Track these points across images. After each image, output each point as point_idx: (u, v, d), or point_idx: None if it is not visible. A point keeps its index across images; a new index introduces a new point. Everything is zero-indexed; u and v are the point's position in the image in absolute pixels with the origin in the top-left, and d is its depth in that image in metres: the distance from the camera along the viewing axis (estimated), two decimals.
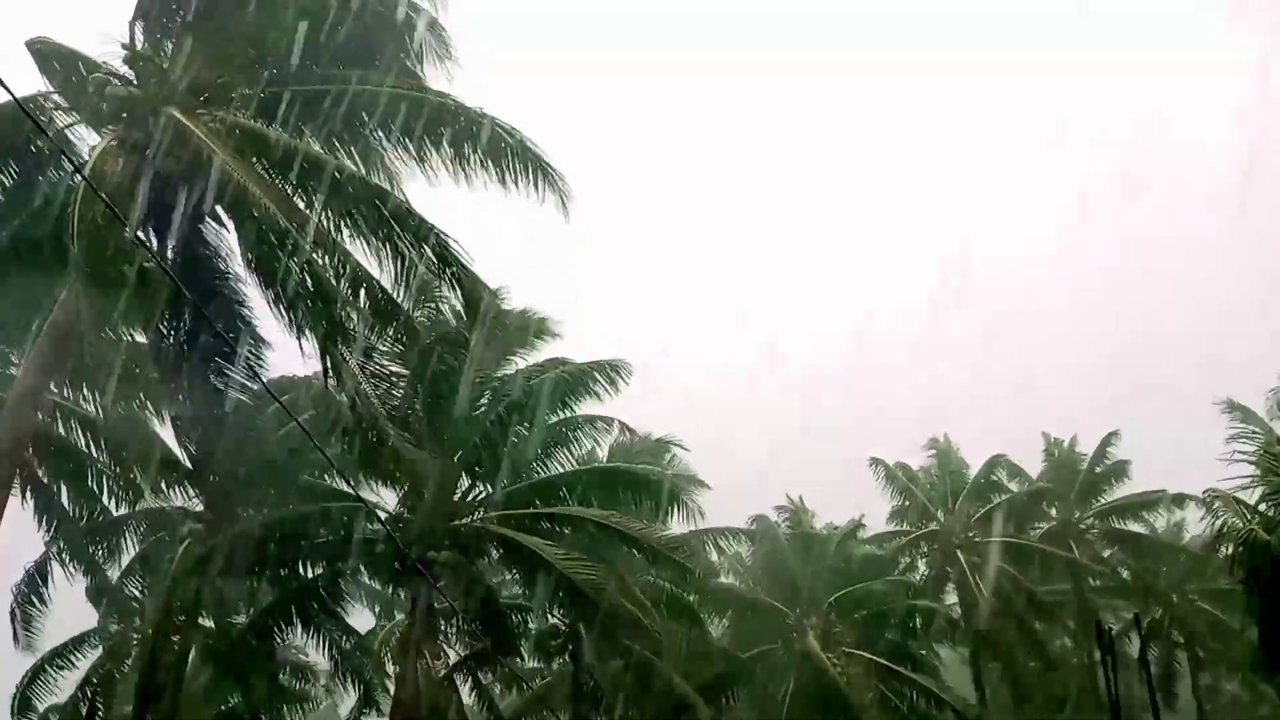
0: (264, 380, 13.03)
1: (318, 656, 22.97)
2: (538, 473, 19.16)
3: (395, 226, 12.07)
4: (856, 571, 29.14)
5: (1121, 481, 35.65)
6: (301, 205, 12.42)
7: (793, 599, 27.87)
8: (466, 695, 22.02)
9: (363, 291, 12.12)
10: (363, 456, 14.95)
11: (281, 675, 23.84)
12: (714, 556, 27.20)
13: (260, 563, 18.26)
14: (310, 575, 18.63)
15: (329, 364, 12.48)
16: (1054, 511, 36.43)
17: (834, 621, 27.49)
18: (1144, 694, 26.69)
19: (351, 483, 16.53)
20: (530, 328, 19.18)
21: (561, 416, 19.37)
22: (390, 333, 13.06)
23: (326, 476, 18.85)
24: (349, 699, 25.45)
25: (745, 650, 26.63)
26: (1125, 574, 36.16)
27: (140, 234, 11.58)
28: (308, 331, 12.07)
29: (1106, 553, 36.33)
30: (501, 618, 19.10)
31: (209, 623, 22.53)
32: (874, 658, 26.55)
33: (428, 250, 12.11)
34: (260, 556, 18.00)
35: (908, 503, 35.11)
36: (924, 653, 29.73)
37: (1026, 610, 33.32)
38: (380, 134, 13.04)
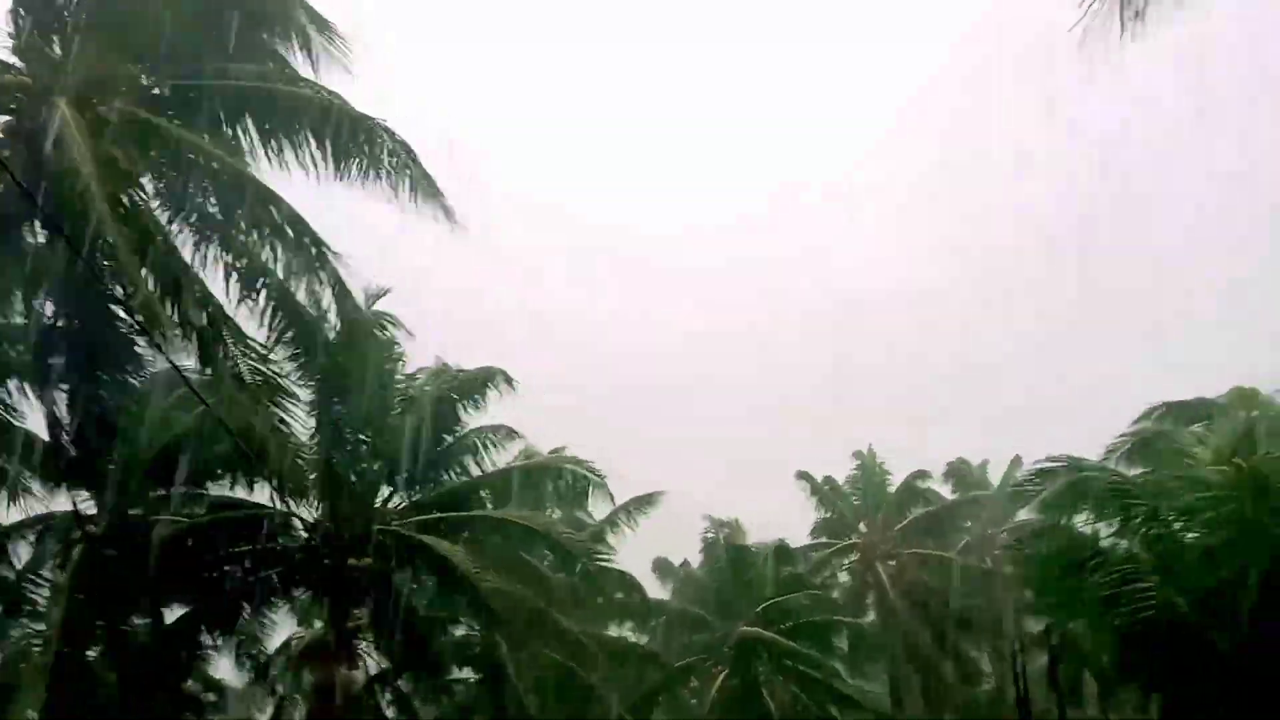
0: (176, 366, 12.52)
1: (231, 668, 22.25)
2: (458, 478, 19.12)
3: (288, 232, 11.99)
4: (782, 584, 29.62)
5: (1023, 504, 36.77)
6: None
7: (722, 610, 28.23)
8: (386, 707, 21.58)
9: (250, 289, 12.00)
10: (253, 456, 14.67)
11: (190, 688, 22.97)
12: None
13: (167, 570, 17.62)
14: (224, 584, 18.09)
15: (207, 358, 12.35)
16: (970, 525, 37.48)
17: (760, 632, 27.90)
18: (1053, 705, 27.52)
19: (274, 490, 16.18)
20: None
21: (473, 420, 19.53)
22: (277, 330, 12.94)
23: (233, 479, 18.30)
24: (264, 713, 24.71)
25: (676, 660, 26.91)
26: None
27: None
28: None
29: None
30: (422, 627, 18.82)
31: (114, 634, 21.59)
32: (798, 666, 27.03)
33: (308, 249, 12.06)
34: (168, 564, 17.37)
35: (831, 514, 35.81)
36: (838, 664, 30.31)
37: (942, 623, 34.31)
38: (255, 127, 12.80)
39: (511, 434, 20.57)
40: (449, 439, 19.31)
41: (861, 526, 35.70)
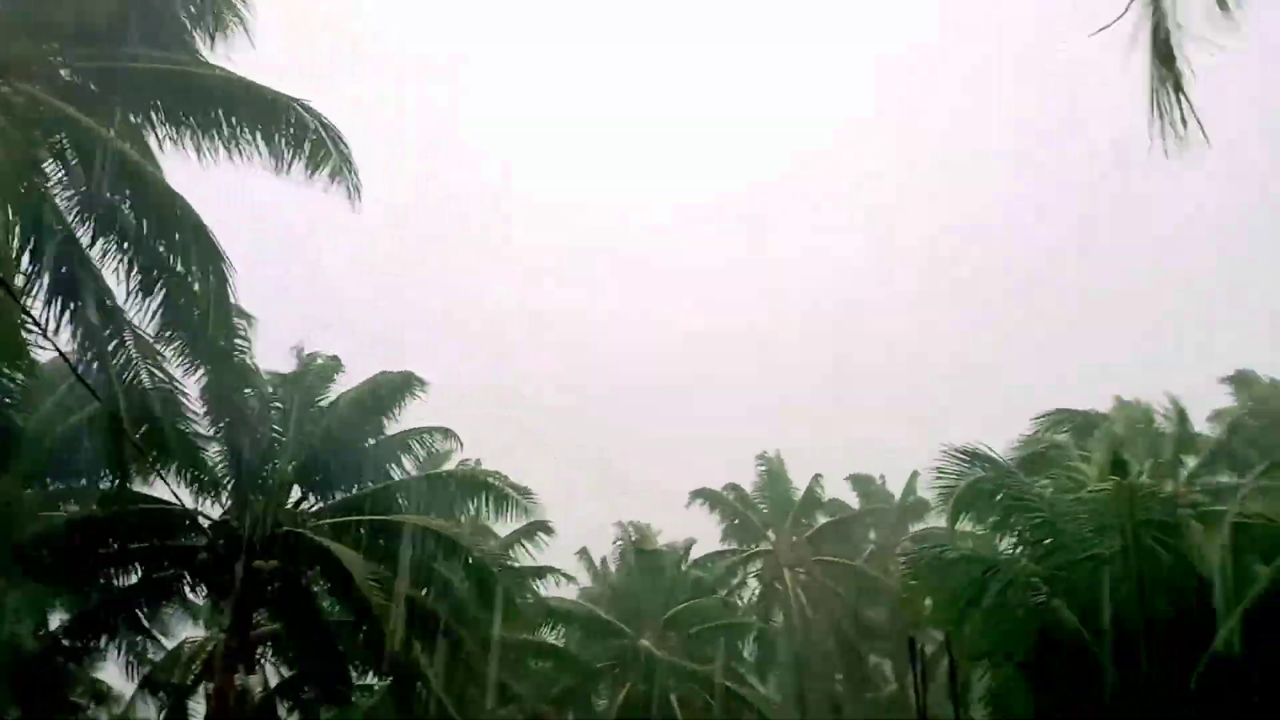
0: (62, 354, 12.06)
1: (121, 675, 21.37)
2: (373, 481, 18.88)
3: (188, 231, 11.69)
4: (689, 589, 29.97)
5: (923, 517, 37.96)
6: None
7: (632, 616, 28.36)
8: (286, 714, 21.02)
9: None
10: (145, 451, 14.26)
11: (78, 696, 21.96)
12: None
13: (57, 570, 16.83)
14: (120, 585, 17.39)
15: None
16: (873, 535, 38.48)
17: (668, 637, 28.18)
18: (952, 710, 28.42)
19: (172, 488, 15.65)
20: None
21: (398, 424, 19.39)
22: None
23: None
24: None
25: (589, 664, 26.97)
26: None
27: None
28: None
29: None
30: (328, 631, 18.41)
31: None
32: (701, 669, 27.37)
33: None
34: (58, 563, 16.60)
35: (738, 521, 36.31)
36: (741, 668, 30.84)
37: (846, 629, 35.18)
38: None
39: (449, 434, 20.41)
40: (371, 441, 19.00)
41: (770, 533, 36.28)
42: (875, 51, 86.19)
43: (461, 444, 21.44)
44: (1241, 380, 25.47)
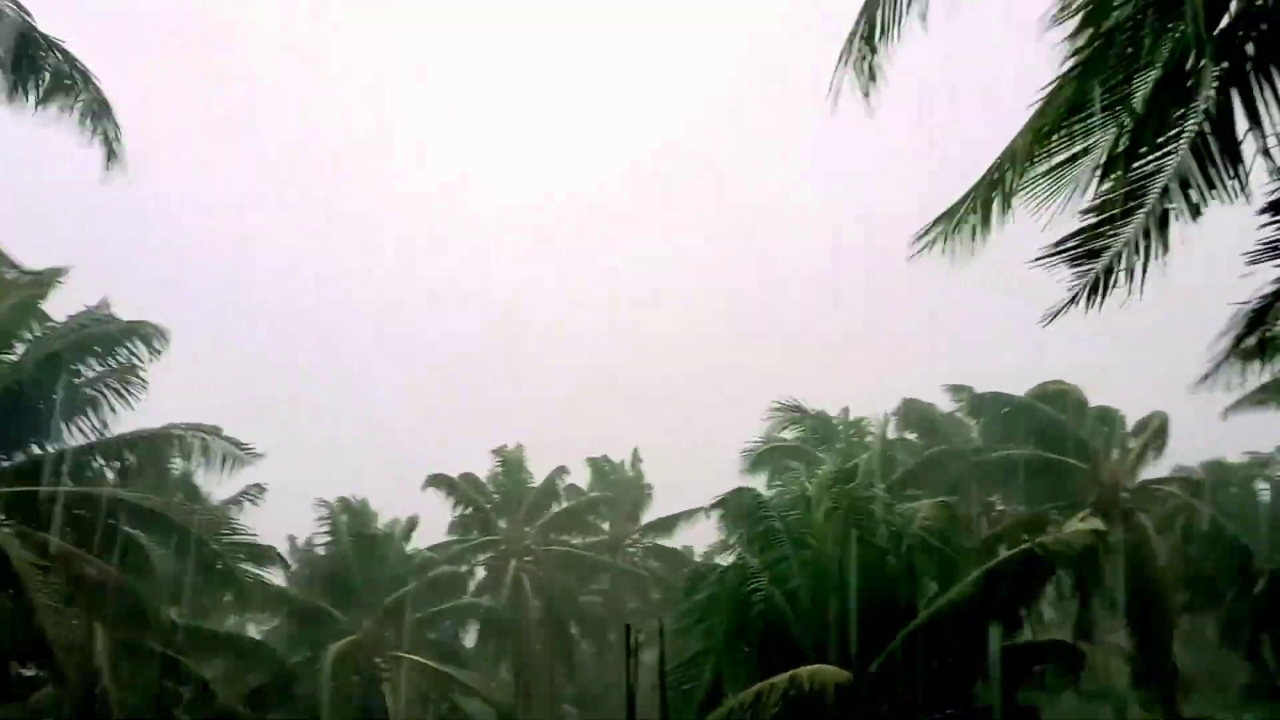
0: None
1: None
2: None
3: None
4: (412, 574, 29.01)
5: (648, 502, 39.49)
6: None
7: (347, 601, 26.92)
8: None
9: None
10: None
11: None
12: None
13: None
14: None
15: None
16: (607, 525, 39.38)
17: (386, 624, 27.10)
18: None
19: None
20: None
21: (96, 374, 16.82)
22: None
23: None
24: None
25: (298, 653, 25.13)
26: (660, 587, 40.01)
27: None
28: None
29: (653, 564, 39.84)
30: None
31: None
32: (419, 658, 26.62)
33: None
34: None
35: (471, 510, 35.84)
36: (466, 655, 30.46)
37: (570, 617, 35.81)
38: None
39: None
40: (59, 393, 16.11)
41: (501, 523, 36.12)
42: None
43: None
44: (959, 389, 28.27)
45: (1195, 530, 20.92)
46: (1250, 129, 6.27)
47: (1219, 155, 6.43)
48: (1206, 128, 6.40)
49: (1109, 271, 7.01)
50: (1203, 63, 5.82)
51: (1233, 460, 23.93)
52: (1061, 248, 6.97)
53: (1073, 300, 7.19)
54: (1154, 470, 23.08)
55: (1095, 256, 6.99)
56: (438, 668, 26.82)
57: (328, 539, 28.73)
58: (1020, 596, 14.08)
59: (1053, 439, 22.36)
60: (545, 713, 35.94)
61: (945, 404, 25.82)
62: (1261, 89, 6.16)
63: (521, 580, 34.60)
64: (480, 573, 36.34)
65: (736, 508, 15.50)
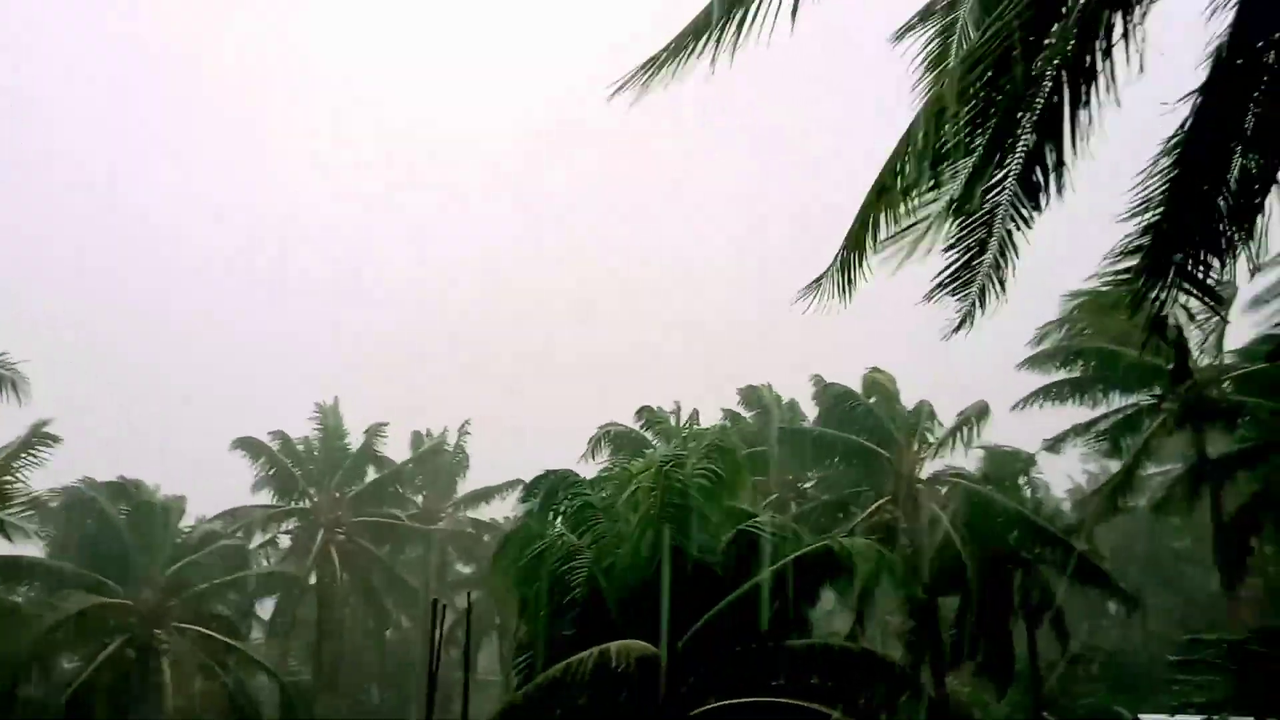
0: None
1: None
2: None
3: None
4: (197, 545, 27.00)
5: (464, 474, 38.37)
6: None
7: (122, 574, 24.52)
8: None
9: None
10: None
11: None
12: None
13: None
14: None
15: None
16: (421, 499, 38.00)
17: (168, 597, 25.03)
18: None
19: None
20: None
21: None
22: None
23: None
24: None
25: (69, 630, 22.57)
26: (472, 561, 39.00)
27: None
28: None
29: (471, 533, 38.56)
30: None
31: None
32: (208, 633, 24.78)
33: None
34: None
35: (273, 470, 33.52)
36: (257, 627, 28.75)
37: (380, 588, 34.32)
38: None
39: None
40: None
41: (311, 490, 34.00)
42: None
43: None
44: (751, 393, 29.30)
45: (963, 520, 21.84)
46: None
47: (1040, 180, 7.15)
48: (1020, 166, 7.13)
49: (984, 291, 7.72)
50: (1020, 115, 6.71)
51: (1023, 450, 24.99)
52: (939, 282, 7.65)
53: (963, 322, 7.85)
54: (962, 460, 24.17)
55: (968, 285, 7.70)
56: (226, 640, 25.05)
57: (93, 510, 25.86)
58: (818, 582, 14.53)
59: (866, 428, 23.20)
60: (347, 690, 34.49)
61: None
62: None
63: (329, 551, 32.83)
64: (285, 541, 34.28)
65: (551, 485, 15.20)
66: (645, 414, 24.85)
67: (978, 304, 7.81)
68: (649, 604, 13.36)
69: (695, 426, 25.76)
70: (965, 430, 23.42)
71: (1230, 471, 21.30)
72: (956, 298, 7.78)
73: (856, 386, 24.66)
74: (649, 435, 24.43)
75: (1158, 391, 21.94)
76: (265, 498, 33.67)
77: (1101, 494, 23.67)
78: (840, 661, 14.21)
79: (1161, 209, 7.04)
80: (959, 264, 7.61)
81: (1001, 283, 7.68)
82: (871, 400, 24.14)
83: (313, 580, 32.91)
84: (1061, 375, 23.07)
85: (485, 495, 37.64)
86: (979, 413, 23.57)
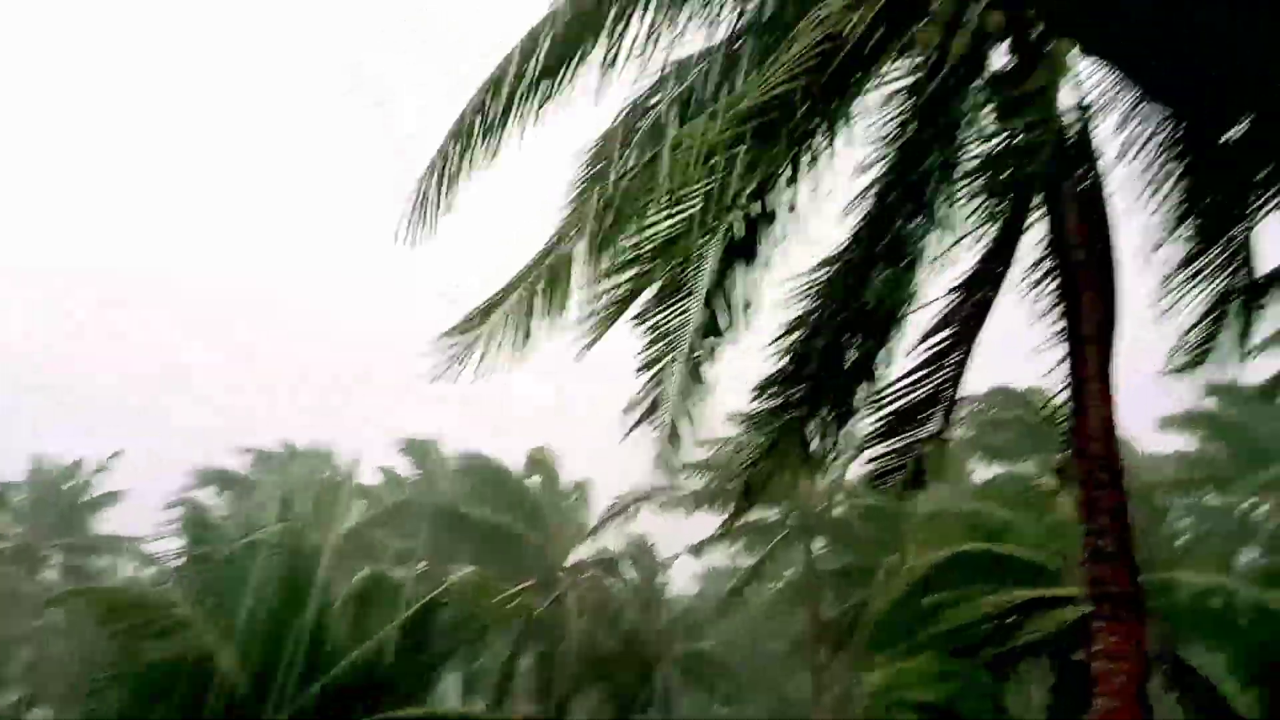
0: None
1: None
2: None
3: None
4: None
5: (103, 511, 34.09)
6: None
7: None
8: None
9: None
10: None
11: None
12: None
13: None
14: None
15: None
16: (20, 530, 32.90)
17: None
18: None
19: None
20: None
21: None
22: None
23: None
24: None
25: None
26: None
27: None
28: None
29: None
30: None
31: None
32: None
33: None
34: None
35: None
36: None
37: None
38: None
39: None
40: None
41: None
42: None
43: None
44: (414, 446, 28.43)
45: (601, 611, 22.41)
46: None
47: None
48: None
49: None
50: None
51: None
52: (633, 407, 7.26)
53: (663, 451, 7.39)
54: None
55: (656, 409, 7.29)
56: None
57: None
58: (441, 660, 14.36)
59: (517, 506, 23.39)
60: None
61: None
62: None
63: None
64: None
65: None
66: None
67: (672, 432, 7.30)
68: (261, 671, 12.53)
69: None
70: (621, 515, 23.48)
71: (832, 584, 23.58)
72: (649, 424, 7.31)
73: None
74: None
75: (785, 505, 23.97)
76: None
77: (727, 593, 25.35)
78: None
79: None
80: (648, 385, 7.21)
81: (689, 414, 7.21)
82: (533, 479, 24.41)
83: None
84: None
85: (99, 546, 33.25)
86: (637, 497, 23.53)
